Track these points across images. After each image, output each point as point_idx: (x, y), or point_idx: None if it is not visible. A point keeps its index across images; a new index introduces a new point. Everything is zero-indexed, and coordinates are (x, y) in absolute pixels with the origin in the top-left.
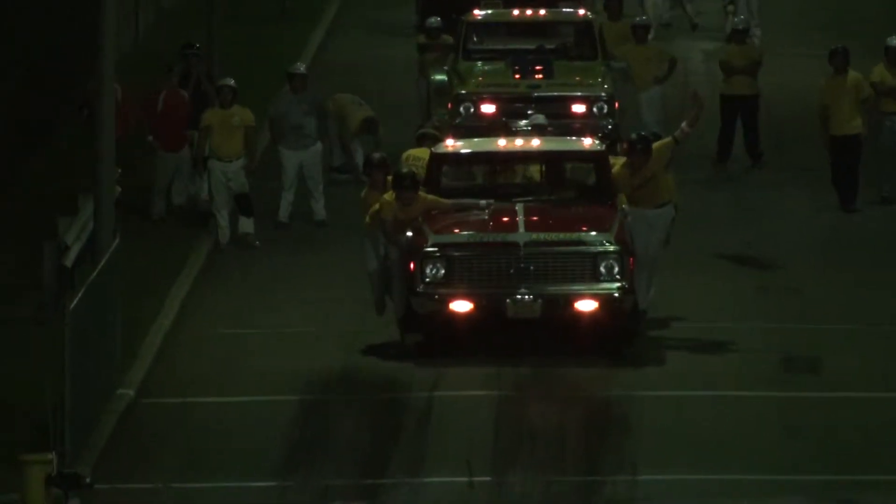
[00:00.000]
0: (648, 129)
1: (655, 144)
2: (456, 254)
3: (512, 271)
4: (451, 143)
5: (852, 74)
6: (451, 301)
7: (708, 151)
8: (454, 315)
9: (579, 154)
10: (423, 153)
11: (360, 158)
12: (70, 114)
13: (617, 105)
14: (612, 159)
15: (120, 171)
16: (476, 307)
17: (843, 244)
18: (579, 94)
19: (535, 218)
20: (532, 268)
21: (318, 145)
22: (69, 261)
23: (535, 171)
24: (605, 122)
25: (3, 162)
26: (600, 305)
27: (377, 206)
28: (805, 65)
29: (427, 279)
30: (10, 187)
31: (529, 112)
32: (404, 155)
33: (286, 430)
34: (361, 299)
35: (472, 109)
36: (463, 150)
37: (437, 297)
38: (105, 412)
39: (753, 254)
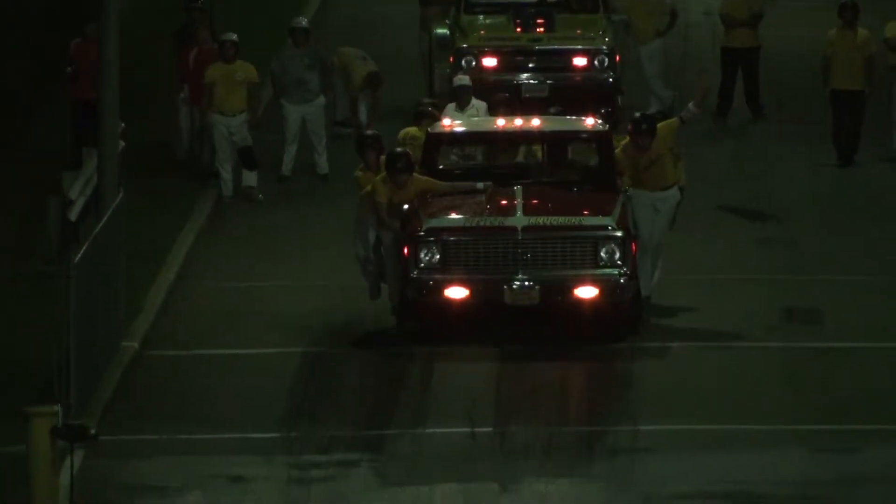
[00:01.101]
0: (648, 82)
1: (661, 125)
2: (451, 238)
3: (510, 257)
4: (447, 123)
5: (861, 31)
6: (446, 288)
7: (708, 104)
8: (450, 302)
9: (581, 134)
10: (419, 132)
11: (364, 114)
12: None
13: (618, 58)
14: (615, 138)
15: (123, 125)
16: (472, 294)
17: (844, 199)
18: (580, 47)
19: (533, 201)
20: (530, 253)
21: (321, 99)
22: (73, 215)
23: (535, 151)
24: (605, 76)
25: (9, 119)
26: (601, 292)
27: (369, 187)
28: (809, 17)
29: (421, 265)
30: (16, 144)
31: (531, 65)
32: (401, 133)
33: (290, 381)
34: None
35: (473, 63)
36: (460, 130)
37: (431, 283)
38: (110, 365)
39: (754, 207)
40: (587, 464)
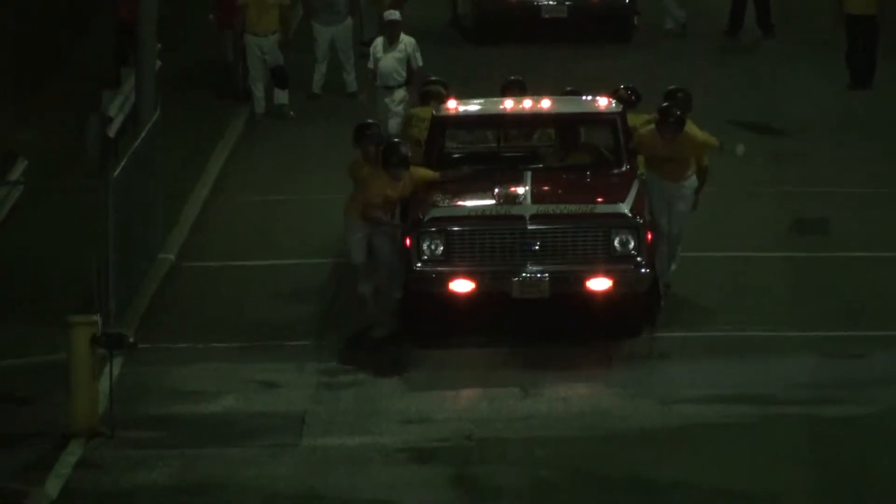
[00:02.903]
0: (663, 3)
1: (700, 136)
2: (456, 228)
3: (517, 247)
4: (453, 105)
5: None
6: (451, 280)
7: (721, 24)
8: (454, 295)
9: (593, 116)
10: (426, 113)
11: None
12: None
13: None
14: (631, 116)
15: (160, 46)
16: (478, 287)
17: (855, 117)
18: None
19: (543, 188)
20: (539, 244)
21: (349, 20)
22: (112, 131)
23: (545, 134)
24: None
25: (53, 41)
26: (615, 284)
27: (361, 191)
28: None
29: (425, 256)
30: (59, 65)
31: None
32: (406, 114)
33: (319, 291)
34: None
35: None
36: (466, 113)
37: (435, 275)
38: (147, 276)
39: (765, 121)
40: (605, 371)
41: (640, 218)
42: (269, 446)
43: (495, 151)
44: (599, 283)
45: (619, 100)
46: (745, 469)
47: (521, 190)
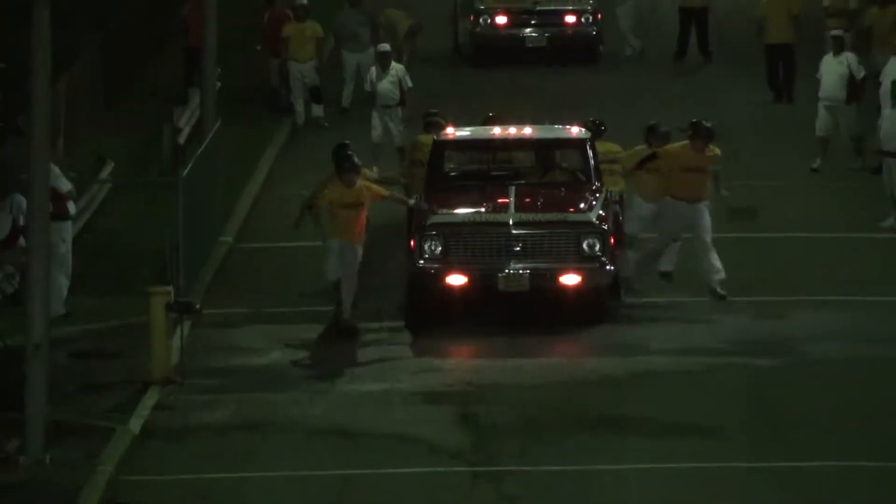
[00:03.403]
0: (624, 34)
1: (714, 149)
2: (452, 232)
3: (503, 248)
4: (451, 132)
5: None
6: (447, 275)
7: (670, 51)
8: (450, 288)
9: (565, 142)
10: (429, 139)
11: (405, 60)
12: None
13: (599, 16)
14: (598, 144)
15: (220, 70)
16: (470, 281)
17: (776, 124)
18: (570, 8)
19: (524, 199)
20: (521, 245)
21: (371, 49)
22: (182, 139)
23: (528, 156)
24: (590, 30)
25: (133, 63)
26: (583, 279)
27: (323, 200)
28: None
29: (426, 255)
30: (137, 84)
31: (532, 22)
32: (412, 141)
33: None
34: None
35: (488, 20)
36: (462, 138)
37: (434, 271)
38: (210, 255)
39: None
40: (578, 333)
41: (605, 225)
42: (307, 391)
43: (485, 170)
44: (570, 279)
45: (588, 129)
46: (694, 408)
47: (506, 201)
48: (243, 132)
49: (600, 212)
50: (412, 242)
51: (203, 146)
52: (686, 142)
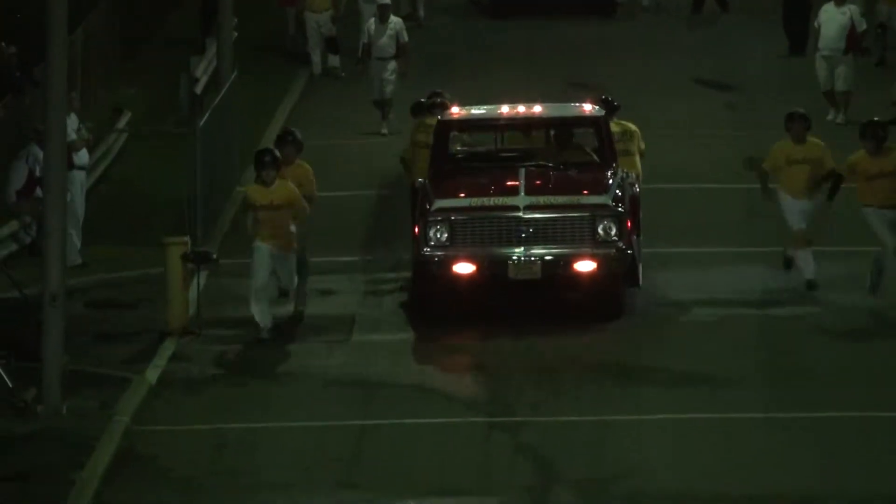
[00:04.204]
0: None
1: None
2: (458, 218)
3: (513, 234)
4: (456, 111)
5: None
6: (454, 263)
7: (687, 2)
8: (457, 276)
9: (578, 120)
10: (433, 120)
11: (421, 9)
12: None
13: None
14: (621, 125)
15: (236, 20)
16: (478, 269)
17: (792, 76)
18: None
19: (535, 182)
20: (532, 230)
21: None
22: (199, 89)
23: (538, 137)
24: None
25: (150, 15)
26: (599, 265)
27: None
28: None
29: (431, 242)
30: (154, 33)
31: None
32: (415, 122)
33: (368, 217)
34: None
35: None
36: (466, 118)
37: (440, 259)
38: (227, 205)
39: (722, 79)
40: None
41: (621, 207)
42: (326, 342)
43: (493, 151)
44: (586, 265)
45: (601, 106)
46: (709, 358)
47: (516, 184)
48: (260, 82)
49: (616, 192)
50: (416, 229)
51: (220, 96)
52: (862, 150)
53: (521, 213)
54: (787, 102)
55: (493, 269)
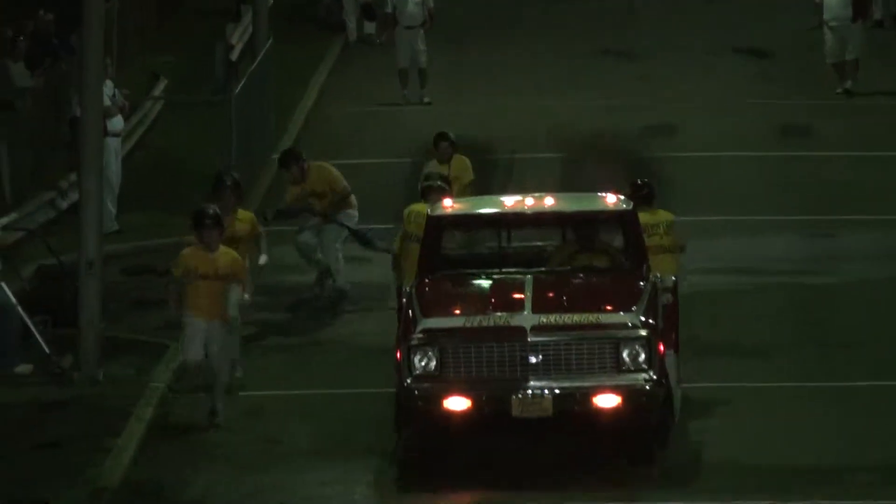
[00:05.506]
0: None
1: None
2: (449, 342)
3: (517, 361)
4: (449, 204)
5: None
6: (444, 398)
7: None
8: (448, 414)
9: (600, 215)
10: (423, 209)
11: None
12: None
13: None
14: (645, 215)
15: None
16: (475, 405)
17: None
18: None
19: (545, 294)
20: (541, 357)
21: None
22: (234, 56)
23: (550, 234)
24: None
25: None
26: (624, 400)
27: (178, 267)
28: None
29: (417, 372)
30: (189, 1)
31: None
32: (406, 210)
33: (404, 182)
34: (455, 75)
35: None
36: (463, 213)
37: (428, 393)
38: (263, 170)
39: (753, 45)
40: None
41: (651, 327)
42: (357, 310)
43: (495, 252)
44: (608, 400)
45: (633, 195)
46: (742, 327)
47: (521, 297)
48: (295, 49)
49: (646, 307)
50: (398, 353)
51: (255, 63)
52: None
53: (527, 336)
54: (816, 69)
55: (493, 406)
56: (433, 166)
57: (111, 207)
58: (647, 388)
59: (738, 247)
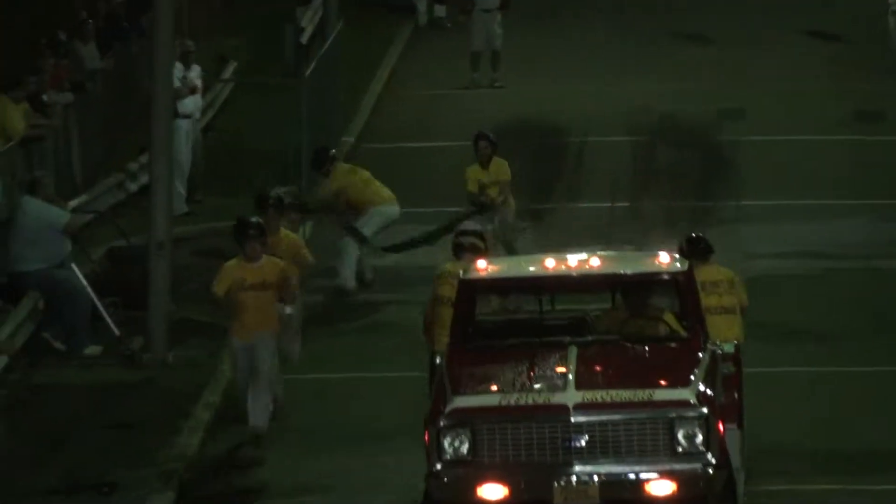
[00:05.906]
0: None
1: None
2: (483, 422)
3: (559, 444)
4: (484, 266)
5: None
6: (478, 485)
7: None
8: (483, 503)
9: (653, 277)
10: (457, 269)
11: None
12: None
13: None
14: (714, 272)
15: None
16: (512, 493)
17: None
18: None
19: (591, 367)
20: (587, 439)
21: None
22: (304, 39)
23: (595, 299)
24: None
25: None
26: (680, 488)
27: (218, 286)
28: None
29: (447, 456)
30: None
31: None
32: (437, 271)
33: (462, 168)
34: (524, 59)
35: None
36: (499, 276)
37: (459, 480)
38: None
39: (822, 30)
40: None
41: (710, 404)
42: (411, 292)
43: (534, 320)
44: (661, 488)
45: (688, 251)
46: (809, 311)
47: (563, 371)
48: (365, 32)
49: (704, 381)
50: (426, 435)
51: (325, 46)
52: None
53: (570, 416)
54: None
55: (532, 494)
56: (475, 172)
57: (181, 189)
58: (706, 473)
59: (810, 231)
